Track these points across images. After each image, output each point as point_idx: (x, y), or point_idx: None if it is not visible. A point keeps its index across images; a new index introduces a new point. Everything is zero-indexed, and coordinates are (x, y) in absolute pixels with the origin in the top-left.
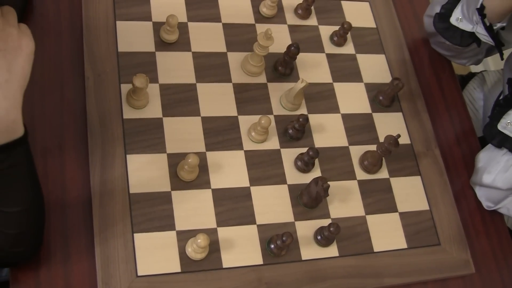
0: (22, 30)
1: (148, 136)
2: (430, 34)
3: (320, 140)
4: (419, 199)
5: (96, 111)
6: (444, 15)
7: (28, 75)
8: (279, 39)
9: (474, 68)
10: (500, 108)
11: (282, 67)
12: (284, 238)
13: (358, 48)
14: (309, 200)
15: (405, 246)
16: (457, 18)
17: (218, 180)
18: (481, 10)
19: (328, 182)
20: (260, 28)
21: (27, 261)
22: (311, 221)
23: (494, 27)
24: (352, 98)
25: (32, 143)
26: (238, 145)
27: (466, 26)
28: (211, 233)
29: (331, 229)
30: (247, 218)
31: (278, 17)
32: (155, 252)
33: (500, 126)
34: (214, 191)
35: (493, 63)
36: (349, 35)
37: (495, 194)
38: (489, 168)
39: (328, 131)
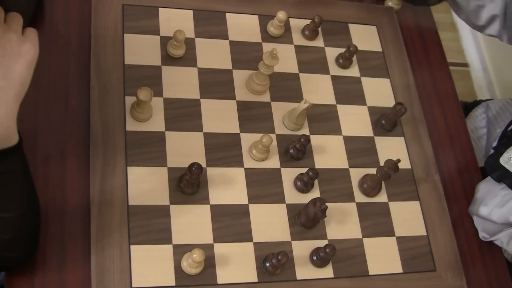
0: (27, 35)
1: (150, 149)
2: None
3: (321, 161)
4: (417, 224)
5: (99, 121)
6: None
7: (27, 82)
8: (285, 59)
9: (480, 96)
10: (507, 139)
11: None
12: (279, 257)
13: (363, 71)
14: (307, 221)
15: (400, 270)
16: None
17: (217, 196)
18: None
19: (327, 204)
20: (267, 47)
21: (21, 266)
22: (308, 241)
23: None
24: (355, 121)
25: (35, 149)
26: (239, 162)
27: None
28: (207, 249)
29: (327, 250)
30: (244, 235)
31: (285, 37)
32: (150, 265)
33: (502, 160)
34: (213, 207)
35: (499, 93)
36: (354, 58)
37: (490, 227)
38: (486, 200)
39: (329, 153)
